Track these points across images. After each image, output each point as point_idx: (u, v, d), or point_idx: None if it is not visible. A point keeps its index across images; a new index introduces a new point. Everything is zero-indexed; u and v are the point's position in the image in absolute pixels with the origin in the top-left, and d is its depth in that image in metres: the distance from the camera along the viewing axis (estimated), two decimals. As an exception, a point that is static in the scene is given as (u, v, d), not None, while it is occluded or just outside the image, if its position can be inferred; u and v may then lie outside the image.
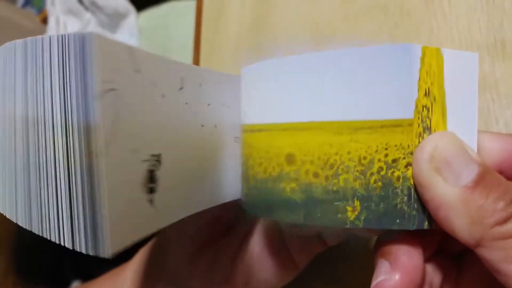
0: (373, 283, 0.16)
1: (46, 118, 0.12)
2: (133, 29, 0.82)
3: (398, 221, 0.16)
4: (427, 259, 0.18)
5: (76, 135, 0.12)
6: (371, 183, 0.16)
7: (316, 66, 0.16)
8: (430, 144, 0.15)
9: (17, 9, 0.93)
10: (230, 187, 0.21)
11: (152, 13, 0.81)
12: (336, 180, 0.17)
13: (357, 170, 0.17)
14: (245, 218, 0.26)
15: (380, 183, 0.16)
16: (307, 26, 0.35)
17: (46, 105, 0.12)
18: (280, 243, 0.23)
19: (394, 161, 0.16)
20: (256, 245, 0.24)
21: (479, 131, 0.16)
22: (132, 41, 0.81)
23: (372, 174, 0.16)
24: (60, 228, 0.12)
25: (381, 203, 0.16)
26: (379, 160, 0.16)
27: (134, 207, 0.14)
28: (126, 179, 0.13)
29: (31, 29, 0.85)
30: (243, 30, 0.40)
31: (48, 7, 0.80)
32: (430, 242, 0.18)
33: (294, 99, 0.18)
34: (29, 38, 0.13)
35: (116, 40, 0.13)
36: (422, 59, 0.15)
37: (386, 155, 0.16)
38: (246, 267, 0.24)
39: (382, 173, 0.16)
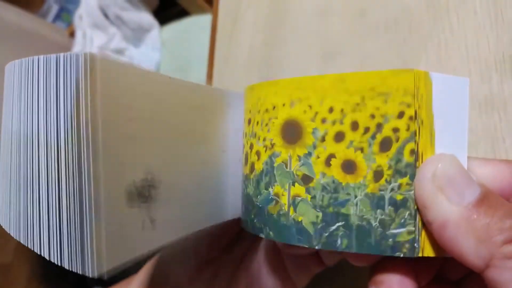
0: None
1: (34, 133, 0.13)
2: (156, 43, 0.84)
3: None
4: None
5: (64, 151, 0.12)
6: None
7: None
8: (432, 165, 0.15)
9: (47, 24, 0.97)
10: (232, 206, 0.21)
11: (174, 27, 0.83)
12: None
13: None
14: (246, 235, 0.26)
15: None
16: (317, 42, 0.35)
17: (33, 122, 0.13)
18: (278, 262, 0.23)
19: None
20: (255, 263, 0.24)
21: (468, 157, 0.15)
22: (155, 54, 0.83)
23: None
24: (41, 241, 0.13)
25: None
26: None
27: (129, 227, 0.14)
28: (119, 197, 0.13)
29: (59, 43, 0.89)
30: (255, 45, 0.41)
31: (76, 21, 0.84)
32: (426, 270, 0.17)
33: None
34: (24, 58, 0.14)
35: (109, 59, 0.13)
36: None
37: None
38: (245, 285, 0.24)
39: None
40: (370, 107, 0.11)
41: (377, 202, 0.11)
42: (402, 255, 0.12)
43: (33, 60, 0.13)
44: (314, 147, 0.11)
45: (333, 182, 0.10)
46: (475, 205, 0.14)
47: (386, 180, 0.11)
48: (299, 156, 0.11)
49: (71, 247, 0.12)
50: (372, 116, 0.11)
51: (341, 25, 0.34)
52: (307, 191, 0.11)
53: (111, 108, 0.13)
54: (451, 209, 0.14)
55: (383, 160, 0.11)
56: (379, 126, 0.11)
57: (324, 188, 0.11)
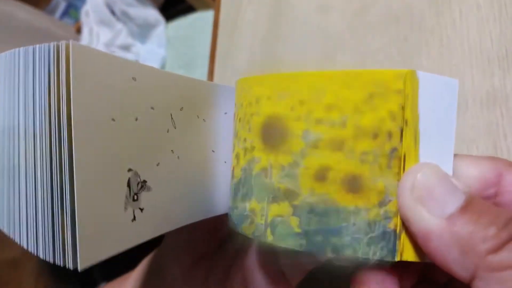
0: None
1: (15, 125, 0.13)
2: (161, 39, 0.84)
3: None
4: None
5: (38, 141, 0.12)
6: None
7: None
8: (411, 175, 0.14)
9: (55, 21, 0.98)
10: (223, 199, 0.21)
11: (180, 23, 0.83)
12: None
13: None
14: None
15: None
16: (318, 38, 0.35)
17: (15, 113, 0.13)
18: (271, 258, 0.23)
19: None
20: (249, 259, 0.24)
21: (457, 156, 0.15)
22: (160, 51, 0.83)
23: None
24: (21, 230, 0.13)
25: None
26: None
27: (112, 220, 0.14)
28: (103, 191, 0.13)
29: (67, 39, 0.89)
30: (256, 42, 0.40)
31: (83, 18, 0.84)
32: (410, 271, 0.17)
33: None
34: (7, 51, 0.14)
35: (90, 48, 0.13)
36: None
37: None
38: (239, 281, 0.24)
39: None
40: (380, 109, 0.09)
41: (381, 233, 0.08)
42: (378, 258, 0.11)
43: (15, 52, 0.13)
44: (303, 154, 0.08)
45: (325, 202, 0.08)
46: (457, 215, 0.13)
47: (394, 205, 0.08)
48: (281, 165, 0.08)
49: (45, 237, 0.12)
50: (382, 120, 0.09)
51: (342, 22, 0.34)
52: (290, 210, 0.08)
53: (86, 98, 0.13)
54: (432, 221, 0.13)
55: (392, 179, 0.09)
56: (390, 135, 0.09)
57: (312, 209, 0.08)
